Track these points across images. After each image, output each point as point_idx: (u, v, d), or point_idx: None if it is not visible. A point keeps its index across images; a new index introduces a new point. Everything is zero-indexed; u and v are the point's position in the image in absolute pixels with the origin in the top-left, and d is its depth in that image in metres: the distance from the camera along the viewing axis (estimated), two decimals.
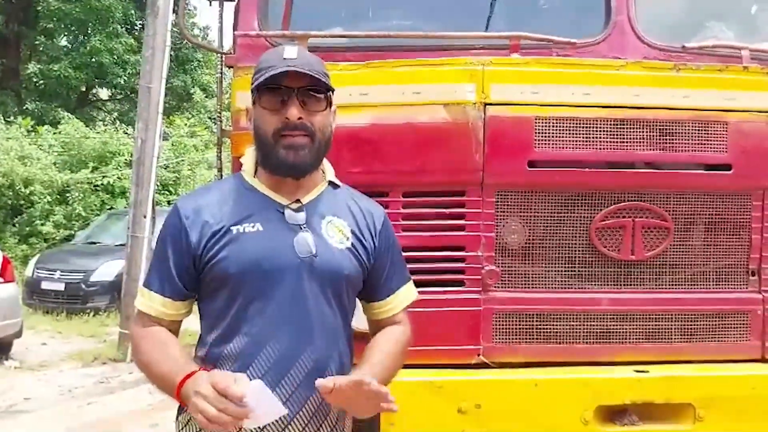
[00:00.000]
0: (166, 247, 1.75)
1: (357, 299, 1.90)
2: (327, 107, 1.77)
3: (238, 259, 1.69)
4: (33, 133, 16.64)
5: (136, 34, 20.88)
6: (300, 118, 1.70)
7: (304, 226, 1.74)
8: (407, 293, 1.94)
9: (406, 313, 1.95)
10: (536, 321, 2.67)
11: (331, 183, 1.87)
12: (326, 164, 1.88)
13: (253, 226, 1.72)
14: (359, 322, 1.95)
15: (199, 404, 1.49)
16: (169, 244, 1.75)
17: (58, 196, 14.87)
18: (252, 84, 1.76)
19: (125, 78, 20.79)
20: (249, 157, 1.86)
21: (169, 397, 1.67)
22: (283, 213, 1.75)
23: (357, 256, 1.79)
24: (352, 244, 1.79)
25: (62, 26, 21.60)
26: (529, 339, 2.66)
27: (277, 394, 1.66)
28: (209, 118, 19.79)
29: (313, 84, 1.72)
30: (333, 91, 1.78)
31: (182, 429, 1.78)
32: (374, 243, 1.84)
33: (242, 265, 1.68)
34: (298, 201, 1.78)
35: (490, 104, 2.60)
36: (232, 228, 1.71)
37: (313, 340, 1.70)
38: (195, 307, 1.85)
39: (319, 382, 1.57)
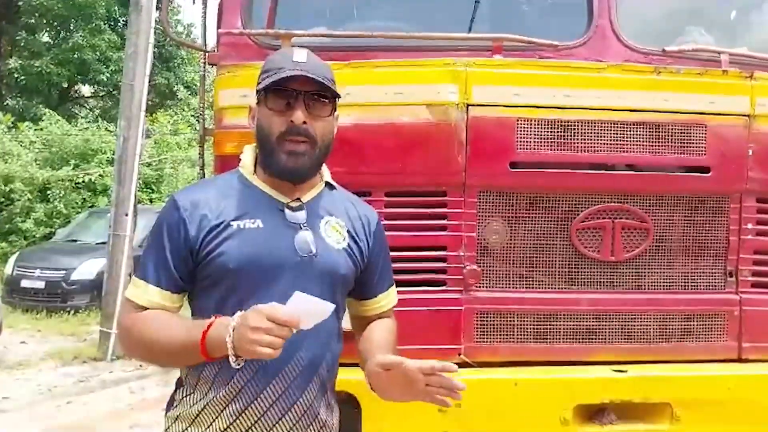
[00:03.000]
0: (162, 238, 1.73)
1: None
2: (331, 113, 1.79)
3: (239, 255, 1.69)
4: (13, 130, 16.43)
5: (120, 30, 20.65)
6: (304, 123, 1.72)
7: (305, 224, 1.76)
8: (394, 293, 2.02)
9: (392, 312, 2.02)
10: (517, 321, 2.68)
11: (327, 184, 1.89)
12: (323, 166, 1.90)
13: (253, 222, 1.73)
14: (346, 322, 1.97)
15: (264, 339, 1.47)
16: (166, 235, 1.73)
17: (39, 194, 14.69)
18: (258, 84, 1.77)
19: (108, 75, 20.57)
20: (248, 154, 1.87)
21: (183, 359, 1.68)
22: (283, 211, 1.77)
23: (352, 257, 1.83)
24: (348, 244, 1.82)
25: (44, 22, 21.32)
26: (510, 339, 2.68)
27: (268, 393, 1.68)
28: (193, 115, 19.65)
29: (321, 89, 1.74)
30: (339, 97, 1.80)
31: (172, 424, 1.78)
32: (368, 243, 1.88)
33: (242, 260, 1.69)
34: (298, 200, 1.79)
35: (473, 105, 2.61)
36: (232, 223, 1.72)
37: (307, 340, 1.70)
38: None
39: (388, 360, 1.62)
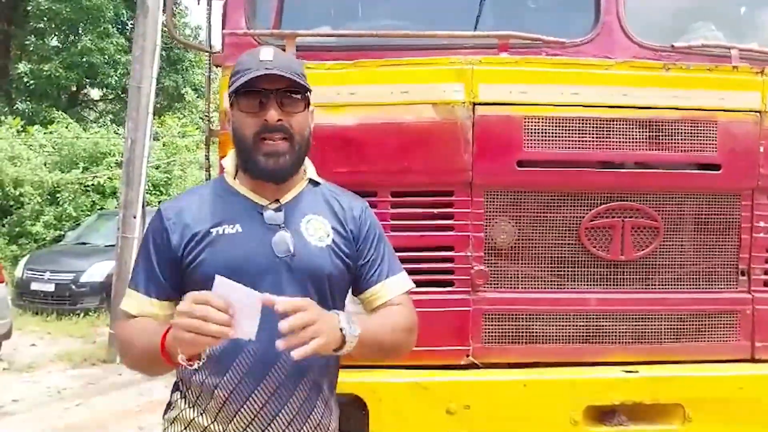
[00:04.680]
0: (149, 248, 1.78)
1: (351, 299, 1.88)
2: (305, 108, 1.77)
3: (217, 261, 1.69)
4: (23, 133, 16.54)
5: (128, 33, 20.72)
6: (279, 120, 1.70)
7: (283, 225, 1.74)
8: (398, 281, 1.88)
9: (408, 301, 1.88)
10: (525, 321, 2.66)
11: (311, 181, 1.87)
12: (307, 162, 1.87)
13: (232, 228, 1.73)
14: None
15: (181, 322, 1.46)
16: (152, 245, 1.77)
17: (49, 197, 14.80)
18: (229, 87, 1.76)
19: (116, 78, 20.66)
20: (230, 159, 1.86)
21: (156, 365, 1.64)
22: (262, 214, 1.75)
23: (338, 253, 1.79)
24: (333, 240, 1.78)
25: (53, 26, 21.44)
26: (519, 339, 2.65)
27: (258, 394, 1.67)
28: (200, 118, 19.70)
29: (291, 86, 1.72)
30: (310, 91, 1.78)
31: (169, 426, 1.78)
32: (354, 232, 1.82)
33: (221, 266, 1.67)
34: (277, 201, 1.78)
35: (479, 104, 2.58)
36: (211, 230, 1.72)
37: None
38: None
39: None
